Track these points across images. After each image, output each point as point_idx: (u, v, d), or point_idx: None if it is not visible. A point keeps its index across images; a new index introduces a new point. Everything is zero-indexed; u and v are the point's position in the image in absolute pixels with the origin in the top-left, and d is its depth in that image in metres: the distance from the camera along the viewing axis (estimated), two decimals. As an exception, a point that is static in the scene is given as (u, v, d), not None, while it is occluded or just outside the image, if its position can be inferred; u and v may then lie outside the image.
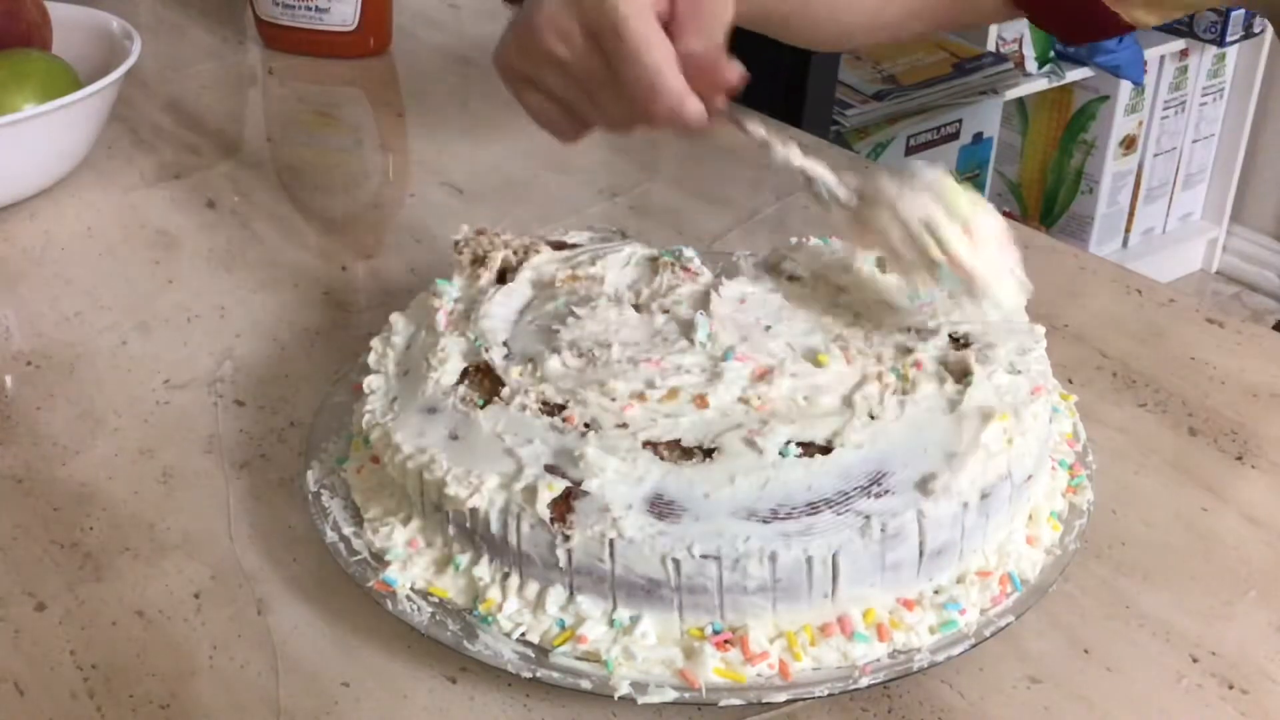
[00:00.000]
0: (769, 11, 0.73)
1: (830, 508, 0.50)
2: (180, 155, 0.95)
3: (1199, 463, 0.64)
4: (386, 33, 1.13)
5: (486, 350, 0.58)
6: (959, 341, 0.59)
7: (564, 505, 0.50)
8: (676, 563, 0.49)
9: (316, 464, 0.60)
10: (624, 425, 0.53)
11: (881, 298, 0.62)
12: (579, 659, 0.50)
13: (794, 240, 0.66)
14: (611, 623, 0.51)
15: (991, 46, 2.09)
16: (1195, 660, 0.53)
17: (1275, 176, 2.53)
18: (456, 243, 0.66)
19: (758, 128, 0.58)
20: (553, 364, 0.57)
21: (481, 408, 0.55)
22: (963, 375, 0.56)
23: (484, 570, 0.52)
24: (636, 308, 0.61)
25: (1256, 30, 2.33)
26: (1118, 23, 0.76)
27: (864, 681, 0.50)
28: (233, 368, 0.71)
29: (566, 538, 0.50)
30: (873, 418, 0.54)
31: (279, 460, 0.64)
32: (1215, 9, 2.23)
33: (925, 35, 0.81)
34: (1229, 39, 2.31)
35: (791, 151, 0.59)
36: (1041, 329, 0.60)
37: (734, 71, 0.55)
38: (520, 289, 0.63)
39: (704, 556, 0.49)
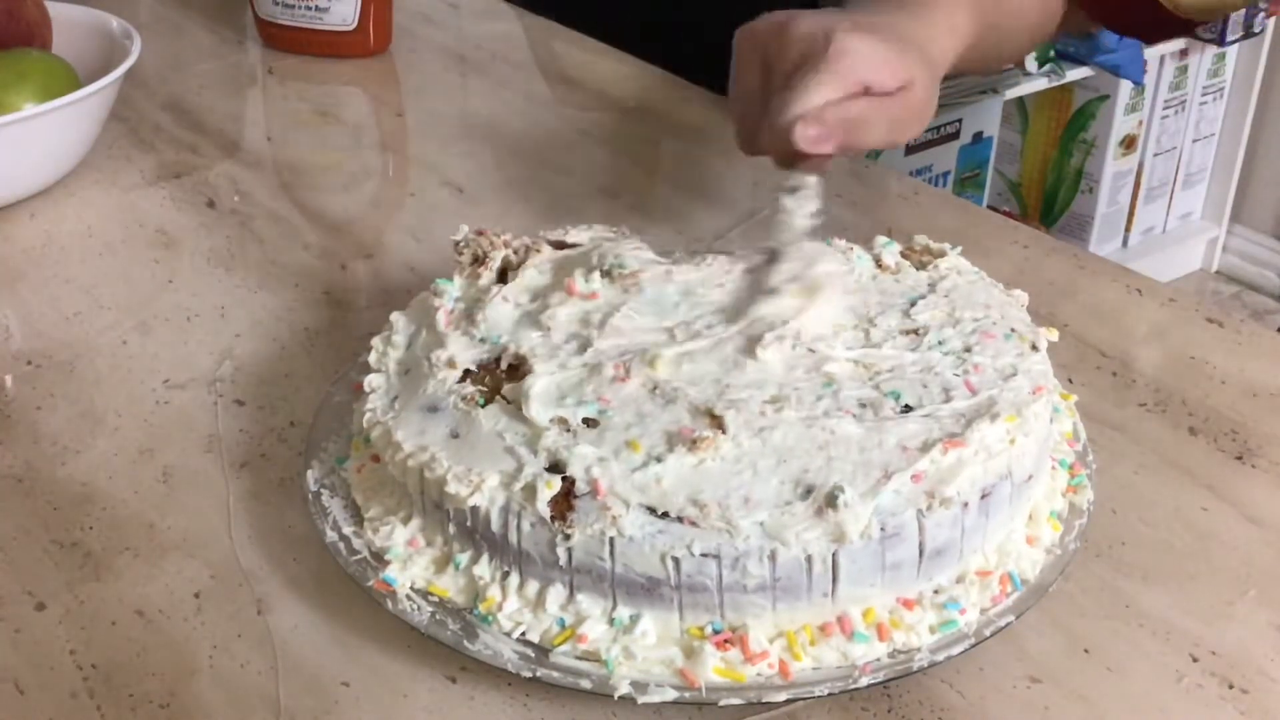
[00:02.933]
0: (967, 56, 0.77)
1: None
2: (180, 155, 0.95)
3: (1199, 463, 0.64)
4: (386, 32, 1.13)
5: (504, 338, 0.59)
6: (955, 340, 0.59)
7: (564, 503, 0.50)
8: (676, 561, 0.49)
9: (316, 463, 0.60)
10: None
11: (882, 298, 0.62)
12: (579, 658, 0.50)
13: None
14: (611, 622, 0.51)
15: (991, 46, 2.08)
16: (1195, 660, 0.53)
17: (1275, 176, 2.53)
18: (456, 243, 0.66)
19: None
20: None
21: (482, 406, 0.55)
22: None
23: (484, 569, 0.53)
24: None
25: (1256, 30, 2.33)
26: (1178, 21, 0.78)
27: (864, 681, 0.50)
28: (233, 367, 0.71)
29: (566, 536, 0.50)
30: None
31: (279, 460, 0.64)
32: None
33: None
34: (1229, 39, 2.31)
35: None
36: (1044, 331, 0.60)
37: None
38: (520, 290, 0.63)
39: (704, 555, 0.49)
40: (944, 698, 0.51)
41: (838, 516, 0.49)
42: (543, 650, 0.51)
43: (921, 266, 0.65)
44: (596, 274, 0.62)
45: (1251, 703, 0.51)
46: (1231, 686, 0.52)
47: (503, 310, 0.61)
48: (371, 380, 0.59)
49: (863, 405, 0.54)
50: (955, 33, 0.72)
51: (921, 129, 0.68)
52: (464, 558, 0.53)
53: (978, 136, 2.09)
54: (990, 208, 1.79)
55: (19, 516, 0.61)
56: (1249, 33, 2.33)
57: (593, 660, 0.50)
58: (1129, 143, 2.36)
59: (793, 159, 0.64)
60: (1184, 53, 2.34)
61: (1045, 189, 2.44)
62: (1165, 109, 2.39)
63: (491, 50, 1.15)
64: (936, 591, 0.52)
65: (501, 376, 0.57)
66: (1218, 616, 0.55)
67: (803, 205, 0.64)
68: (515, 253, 0.65)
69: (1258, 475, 0.63)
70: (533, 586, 0.52)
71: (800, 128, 0.62)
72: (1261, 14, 2.29)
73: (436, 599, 0.53)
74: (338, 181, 0.93)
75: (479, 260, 0.64)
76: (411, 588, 0.53)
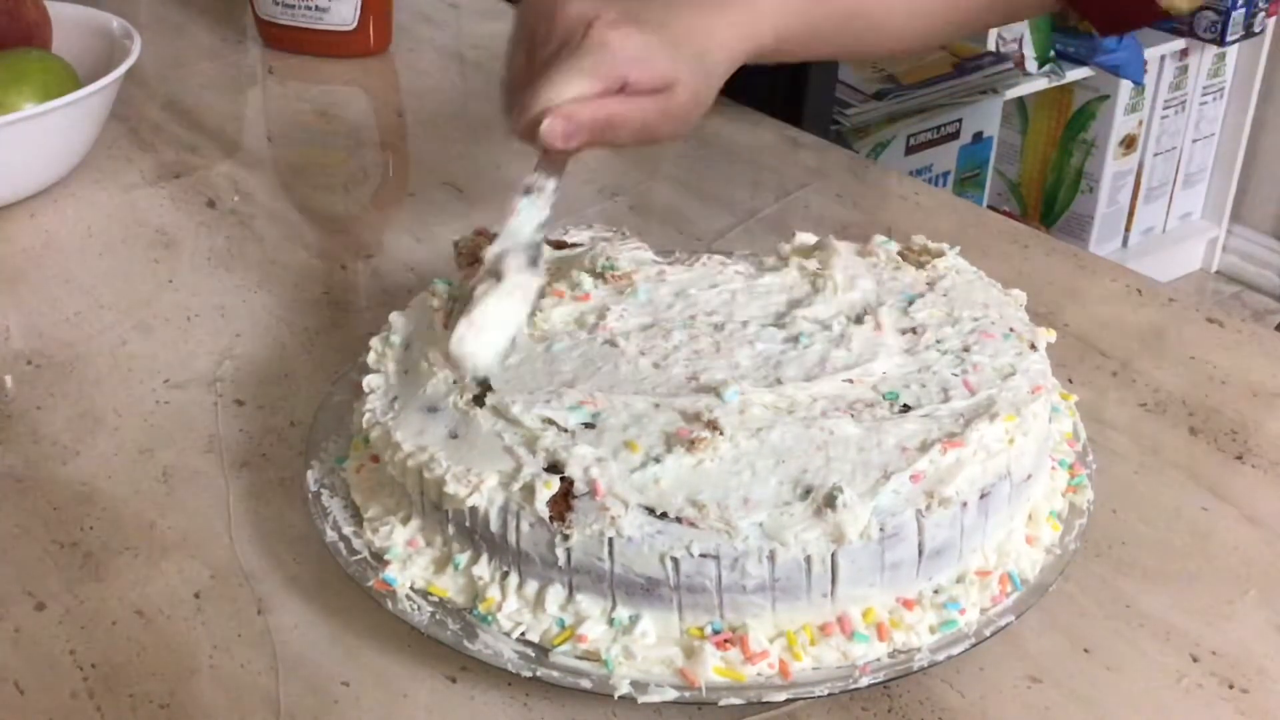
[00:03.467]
0: (807, 43, 0.71)
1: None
2: (180, 155, 0.95)
3: (1199, 463, 0.64)
4: (386, 32, 1.13)
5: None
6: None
7: (563, 504, 0.50)
8: (675, 561, 0.49)
9: (316, 463, 0.60)
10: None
11: (880, 293, 0.62)
12: (579, 658, 0.50)
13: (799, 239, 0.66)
14: (611, 622, 0.51)
15: (992, 46, 2.08)
16: (1195, 660, 0.53)
17: (1275, 176, 2.53)
18: (456, 243, 0.66)
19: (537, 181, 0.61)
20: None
21: (480, 407, 0.55)
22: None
23: (483, 569, 0.53)
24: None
25: (1257, 30, 2.33)
26: (1153, 10, 0.76)
27: (864, 681, 0.50)
28: (233, 367, 0.71)
29: (565, 536, 0.50)
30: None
31: (279, 460, 0.64)
32: (1215, 8, 2.23)
33: (967, 37, 0.83)
34: (1229, 39, 2.31)
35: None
36: (1042, 331, 0.60)
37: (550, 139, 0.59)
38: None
39: (703, 556, 0.49)
40: (944, 698, 0.51)
41: (837, 517, 0.49)
42: (543, 650, 0.51)
43: (920, 266, 0.65)
44: (589, 275, 0.62)
45: (1251, 703, 0.51)
46: (1231, 686, 0.52)
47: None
48: (370, 380, 0.59)
49: (861, 405, 0.54)
50: (751, 29, 0.66)
51: (685, 131, 0.64)
52: (463, 558, 0.53)
53: (978, 136, 2.09)
54: (990, 208, 1.79)
55: (19, 516, 0.61)
56: (1249, 33, 2.33)
57: (593, 660, 0.50)
58: (1129, 143, 2.36)
59: (539, 148, 0.60)
60: (1184, 53, 2.34)
61: (1045, 189, 2.44)
62: (1165, 109, 2.39)
63: (491, 50, 1.14)
64: (936, 591, 0.52)
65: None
66: (1218, 616, 0.55)
67: (533, 214, 0.60)
68: (515, 253, 0.65)
69: (1258, 475, 0.63)
70: (532, 586, 0.52)
71: (548, 122, 0.58)
72: (1262, 14, 2.29)
73: (436, 599, 0.53)
74: (338, 181, 0.93)
75: (478, 260, 0.64)
76: (411, 588, 0.53)
